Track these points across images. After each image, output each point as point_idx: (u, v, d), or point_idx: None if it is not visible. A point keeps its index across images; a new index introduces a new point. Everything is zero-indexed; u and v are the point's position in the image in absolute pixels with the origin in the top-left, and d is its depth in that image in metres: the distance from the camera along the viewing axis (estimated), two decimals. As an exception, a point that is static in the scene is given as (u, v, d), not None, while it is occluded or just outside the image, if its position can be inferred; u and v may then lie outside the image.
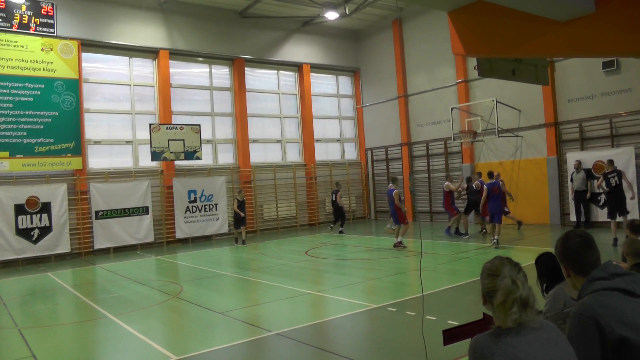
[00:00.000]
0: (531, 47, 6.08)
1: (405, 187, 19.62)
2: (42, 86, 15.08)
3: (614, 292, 2.18)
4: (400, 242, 12.95)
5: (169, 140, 16.75)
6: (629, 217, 11.30)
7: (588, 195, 14.35)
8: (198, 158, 17.53)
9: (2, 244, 14.02)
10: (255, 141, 19.94)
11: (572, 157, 14.95)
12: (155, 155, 16.60)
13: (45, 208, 14.74)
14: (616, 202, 11.70)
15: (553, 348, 1.90)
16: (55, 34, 15.36)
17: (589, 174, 14.39)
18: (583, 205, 14.48)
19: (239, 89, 19.37)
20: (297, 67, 21.28)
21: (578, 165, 14.39)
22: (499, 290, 1.97)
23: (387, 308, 7.25)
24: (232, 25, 19.18)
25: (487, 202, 12.82)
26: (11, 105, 14.58)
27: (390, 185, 13.53)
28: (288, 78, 21.42)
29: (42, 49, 15.17)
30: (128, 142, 17.24)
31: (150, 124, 16.71)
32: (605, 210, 13.83)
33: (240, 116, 19.30)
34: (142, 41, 17.25)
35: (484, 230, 14.63)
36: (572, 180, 14.67)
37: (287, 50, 20.68)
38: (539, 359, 1.84)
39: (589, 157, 14.56)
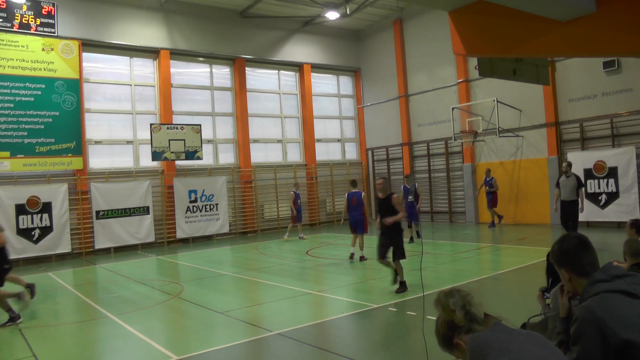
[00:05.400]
0: (532, 46, 6.08)
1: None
2: (43, 86, 15.09)
3: (615, 295, 2.16)
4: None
5: (169, 140, 16.75)
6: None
7: (581, 208, 11.24)
8: (199, 158, 17.53)
9: (3, 244, 14.02)
10: (256, 141, 19.94)
11: (573, 157, 14.91)
12: (156, 155, 16.61)
13: (46, 208, 14.75)
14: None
15: (543, 347, 1.92)
16: (56, 34, 15.36)
17: (580, 179, 11.40)
18: (571, 219, 11.13)
19: (240, 88, 19.37)
20: (297, 67, 21.27)
21: (567, 168, 11.40)
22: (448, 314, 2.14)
23: (388, 308, 7.25)
24: (232, 25, 19.17)
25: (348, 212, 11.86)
26: (12, 105, 14.59)
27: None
28: (289, 78, 21.42)
29: (43, 49, 15.17)
30: (129, 142, 17.25)
31: (151, 124, 16.71)
32: (606, 210, 13.94)
33: (241, 116, 19.30)
34: (143, 41, 17.25)
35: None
36: (558, 185, 11.40)
37: (287, 50, 20.67)
38: (533, 353, 1.85)
39: (590, 157, 14.54)
